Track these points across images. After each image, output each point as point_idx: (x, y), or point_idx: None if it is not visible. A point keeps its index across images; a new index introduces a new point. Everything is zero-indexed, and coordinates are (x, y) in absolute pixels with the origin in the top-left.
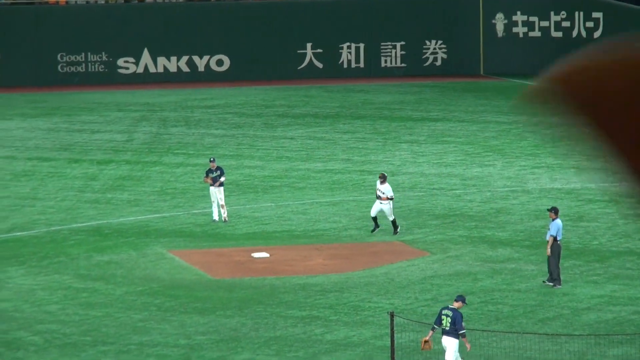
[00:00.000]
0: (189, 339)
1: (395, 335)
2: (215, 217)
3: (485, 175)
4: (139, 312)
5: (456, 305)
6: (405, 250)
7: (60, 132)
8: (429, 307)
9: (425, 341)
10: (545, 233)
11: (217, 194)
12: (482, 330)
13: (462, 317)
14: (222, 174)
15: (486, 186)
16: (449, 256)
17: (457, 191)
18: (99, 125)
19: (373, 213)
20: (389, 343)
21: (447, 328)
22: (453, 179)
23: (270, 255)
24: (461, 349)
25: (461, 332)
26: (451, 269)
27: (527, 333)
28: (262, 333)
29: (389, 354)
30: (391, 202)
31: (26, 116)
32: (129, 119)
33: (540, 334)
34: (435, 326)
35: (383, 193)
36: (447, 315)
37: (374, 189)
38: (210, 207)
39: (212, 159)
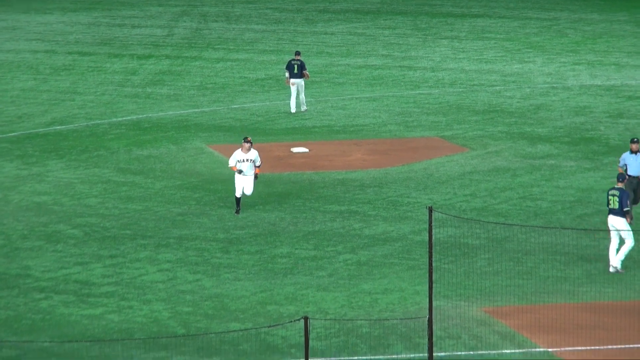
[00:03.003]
0: (228, 233)
1: (433, 230)
2: (293, 109)
3: (525, 71)
4: (178, 206)
5: (620, 185)
6: (445, 146)
7: (101, 27)
8: (468, 202)
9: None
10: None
11: (299, 86)
12: (521, 226)
13: (628, 196)
14: (304, 66)
15: (526, 82)
16: (488, 152)
17: (497, 87)
18: (139, 19)
19: (239, 192)
20: (427, 238)
21: (616, 208)
22: (493, 75)
23: (309, 150)
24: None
25: (626, 209)
26: (490, 164)
27: (565, 229)
28: (301, 227)
29: (427, 249)
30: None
31: (66, 10)
32: (169, 14)
33: (579, 229)
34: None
35: (253, 162)
36: (614, 196)
37: (413, 84)
38: (289, 99)
39: (298, 52)
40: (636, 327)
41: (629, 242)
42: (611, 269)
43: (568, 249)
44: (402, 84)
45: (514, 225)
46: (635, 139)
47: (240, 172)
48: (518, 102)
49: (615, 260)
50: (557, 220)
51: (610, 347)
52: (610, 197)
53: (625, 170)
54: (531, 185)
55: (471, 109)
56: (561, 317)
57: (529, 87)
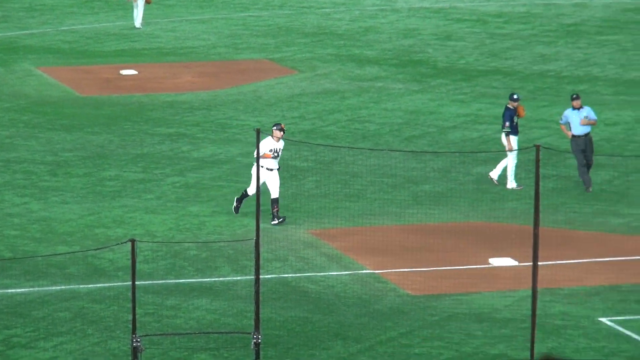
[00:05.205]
0: (56, 155)
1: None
2: (138, 24)
3: None
4: (6, 129)
5: (510, 104)
6: (274, 68)
7: None
8: (296, 124)
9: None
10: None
11: (140, 2)
12: (349, 148)
13: (508, 115)
14: None
15: (355, 5)
16: (317, 74)
17: (326, 10)
18: None
19: (253, 190)
20: (255, 161)
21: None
22: None
23: (138, 72)
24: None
25: (503, 129)
26: (319, 87)
27: (393, 150)
28: (130, 150)
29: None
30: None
31: None
32: None
33: (407, 151)
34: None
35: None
36: (502, 115)
37: (243, 6)
38: (132, 14)
39: None
40: (461, 249)
41: (505, 160)
42: (508, 186)
43: (395, 171)
44: (232, 5)
45: (342, 147)
46: (576, 95)
47: (275, 156)
48: (347, 24)
49: (508, 180)
50: (385, 143)
51: (435, 268)
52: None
53: (569, 128)
54: (359, 108)
55: (300, 31)
56: (388, 239)
57: (357, 10)
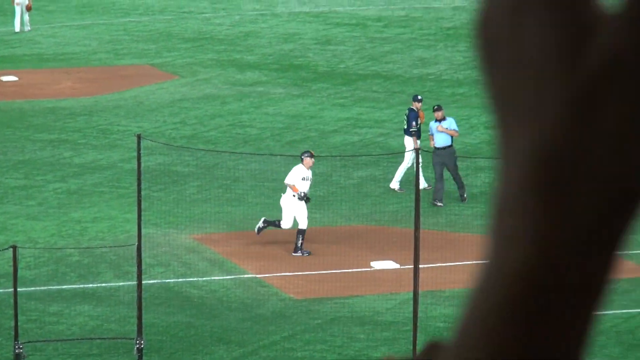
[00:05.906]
0: None
1: (143, 158)
2: (17, 28)
3: None
4: None
5: (414, 105)
6: (154, 74)
7: None
8: (177, 130)
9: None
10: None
11: (23, 5)
12: (230, 152)
13: (413, 116)
14: None
15: (235, 9)
16: (198, 79)
17: (206, 14)
18: None
19: (288, 223)
20: (136, 166)
21: (404, 127)
22: (202, 2)
23: (19, 78)
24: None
25: (411, 129)
26: (200, 92)
27: (274, 155)
28: (11, 156)
29: (136, 176)
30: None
31: None
32: None
33: (288, 155)
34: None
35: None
36: (405, 114)
37: (123, 11)
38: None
39: None
40: (343, 252)
41: (404, 162)
42: (391, 185)
43: (277, 175)
44: (112, 11)
45: (223, 152)
46: (437, 106)
47: (306, 198)
48: (227, 29)
49: (393, 180)
50: (266, 147)
51: (318, 272)
52: (404, 117)
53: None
54: (240, 113)
55: (181, 36)
56: (270, 243)
57: (238, 15)
